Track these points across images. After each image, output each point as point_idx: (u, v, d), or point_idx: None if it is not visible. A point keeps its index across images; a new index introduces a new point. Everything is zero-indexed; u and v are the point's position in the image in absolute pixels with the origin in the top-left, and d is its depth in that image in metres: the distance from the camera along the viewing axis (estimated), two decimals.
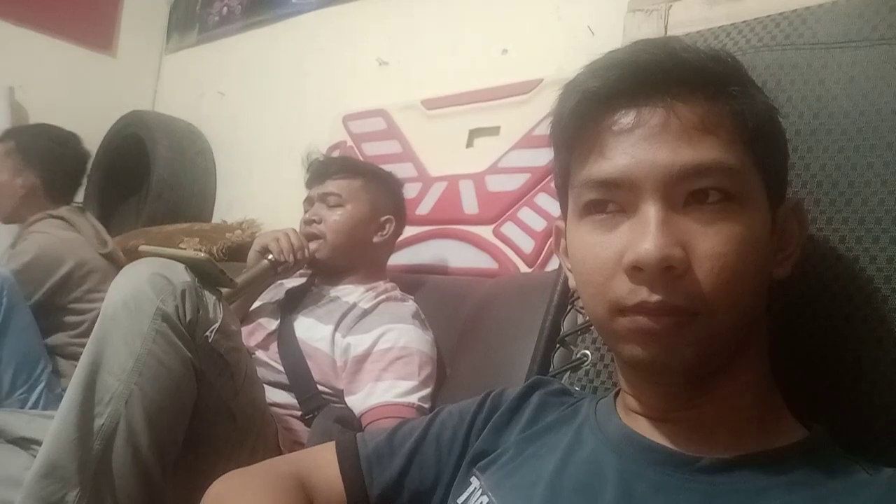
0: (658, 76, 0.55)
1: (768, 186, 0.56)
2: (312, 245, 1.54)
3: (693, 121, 0.53)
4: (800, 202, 0.62)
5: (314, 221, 1.57)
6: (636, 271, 0.52)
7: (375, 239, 1.61)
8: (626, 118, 0.55)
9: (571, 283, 0.64)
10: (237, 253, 2.23)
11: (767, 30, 0.81)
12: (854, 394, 0.64)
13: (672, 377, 0.56)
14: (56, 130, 2.15)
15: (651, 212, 0.52)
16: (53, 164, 2.08)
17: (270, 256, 1.47)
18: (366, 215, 1.60)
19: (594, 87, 0.57)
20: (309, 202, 1.64)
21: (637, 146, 0.54)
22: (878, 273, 0.65)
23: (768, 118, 0.58)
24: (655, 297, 0.51)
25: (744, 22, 0.84)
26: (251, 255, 1.53)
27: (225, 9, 2.92)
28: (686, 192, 0.53)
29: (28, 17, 2.80)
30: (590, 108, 0.57)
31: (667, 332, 0.52)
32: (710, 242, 0.52)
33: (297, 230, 1.56)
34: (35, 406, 1.67)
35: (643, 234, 0.52)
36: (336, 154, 2.19)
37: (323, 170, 1.65)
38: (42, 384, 1.70)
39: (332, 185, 1.60)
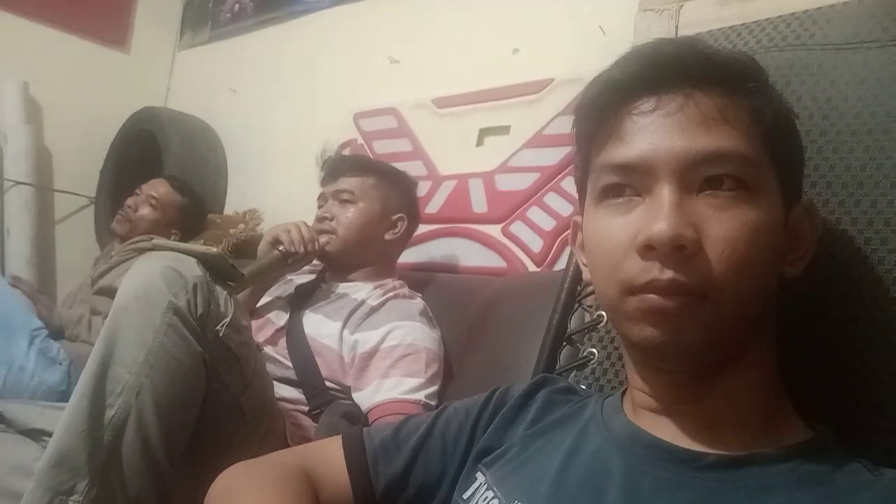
0: (678, 66, 0.56)
1: (782, 185, 0.57)
2: (323, 239, 1.55)
3: (711, 109, 0.55)
4: (812, 204, 0.63)
5: (326, 218, 1.59)
6: (648, 250, 0.53)
7: (387, 237, 1.62)
8: (646, 105, 0.56)
9: (586, 275, 0.65)
10: (242, 249, 2.24)
11: (778, 30, 0.80)
12: (861, 395, 0.64)
13: (679, 361, 0.57)
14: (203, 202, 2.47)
15: (665, 193, 0.54)
16: (194, 229, 2.38)
17: (281, 247, 1.48)
18: (377, 213, 1.61)
19: (616, 77, 0.58)
20: (322, 199, 1.65)
21: (655, 132, 0.55)
22: (887, 274, 0.65)
23: (784, 118, 0.59)
24: (667, 275, 0.52)
25: (755, 22, 0.84)
26: (262, 245, 1.54)
27: (237, 6, 2.93)
28: (701, 178, 0.54)
29: (42, 12, 2.81)
30: (611, 96, 0.58)
31: (676, 311, 0.53)
32: (723, 227, 0.53)
33: (307, 223, 1.57)
34: (24, 368, 1.67)
35: (657, 215, 0.53)
36: (347, 152, 2.20)
37: (337, 167, 1.66)
38: (24, 343, 1.69)
39: (345, 183, 1.61)
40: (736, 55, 0.60)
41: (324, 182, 1.68)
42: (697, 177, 0.54)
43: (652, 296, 0.53)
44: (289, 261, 1.49)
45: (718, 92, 0.55)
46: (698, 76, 0.56)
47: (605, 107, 0.59)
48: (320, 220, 1.60)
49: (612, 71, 0.59)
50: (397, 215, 1.64)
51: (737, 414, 0.57)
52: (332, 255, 1.58)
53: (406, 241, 1.70)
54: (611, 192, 0.58)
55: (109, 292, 2.02)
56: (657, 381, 0.60)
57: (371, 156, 2.12)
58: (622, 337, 0.61)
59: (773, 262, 0.56)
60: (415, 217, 1.70)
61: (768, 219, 0.55)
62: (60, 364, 1.74)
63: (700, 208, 0.53)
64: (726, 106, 0.55)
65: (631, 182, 0.56)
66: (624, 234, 0.55)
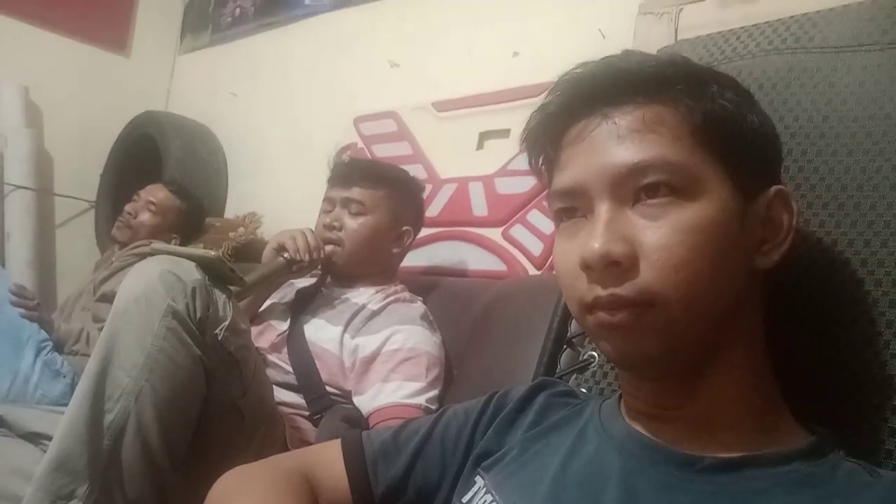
0: (594, 89, 0.59)
1: (735, 177, 0.57)
2: (328, 248, 1.54)
3: (629, 123, 0.57)
4: (783, 190, 0.61)
5: (334, 227, 1.56)
6: (588, 270, 0.55)
7: (394, 249, 1.62)
8: (574, 131, 0.60)
9: None
10: (242, 253, 2.24)
11: (777, 33, 0.80)
12: (860, 397, 0.64)
13: (645, 370, 0.58)
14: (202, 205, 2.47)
15: (601, 211, 0.56)
16: (194, 233, 2.37)
17: (286, 254, 1.48)
18: (386, 226, 1.59)
19: (548, 109, 0.62)
20: (330, 203, 1.62)
21: (584, 155, 0.58)
22: (887, 277, 0.65)
23: (724, 111, 0.58)
24: (606, 291, 0.54)
25: (754, 25, 0.84)
26: (266, 251, 1.53)
27: (238, 10, 2.94)
28: (633, 190, 0.56)
29: (43, 16, 2.82)
30: (545, 128, 0.63)
31: (625, 324, 0.54)
32: (657, 235, 0.54)
33: (313, 230, 1.56)
34: (28, 378, 1.67)
35: (591, 234, 0.55)
36: (347, 156, 2.20)
37: (349, 173, 1.63)
38: (30, 355, 1.70)
39: (356, 192, 1.58)
40: (661, 62, 0.61)
41: (332, 183, 1.65)
42: (629, 189, 0.56)
43: (600, 313, 0.55)
44: (293, 268, 1.49)
45: (639, 103, 0.57)
46: (613, 94, 0.58)
47: (543, 139, 0.64)
48: (328, 227, 1.57)
49: (546, 102, 0.63)
50: (405, 228, 1.62)
51: (729, 416, 0.57)
52: (338, 266, 1.57)
53: (409, 249, 1.69)
54: (563, 216, 0.61)
55: (111, 298, 2.01)
56: (643, 388, 0.61)
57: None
58: None
59: (730, 256, 0.56)
60: (420, 225, 1.69)
61: (710, 216, 0.55)
62: (64, 377, 1.74)
63: (635, 220, 0.55)
64: (647, 115, 0.57)
65: (575, 206, 0.59)
66: (573, 255, 0.57)
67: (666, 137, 0.56)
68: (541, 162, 0.65)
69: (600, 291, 0.55)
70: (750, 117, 0.60)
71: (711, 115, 0.57)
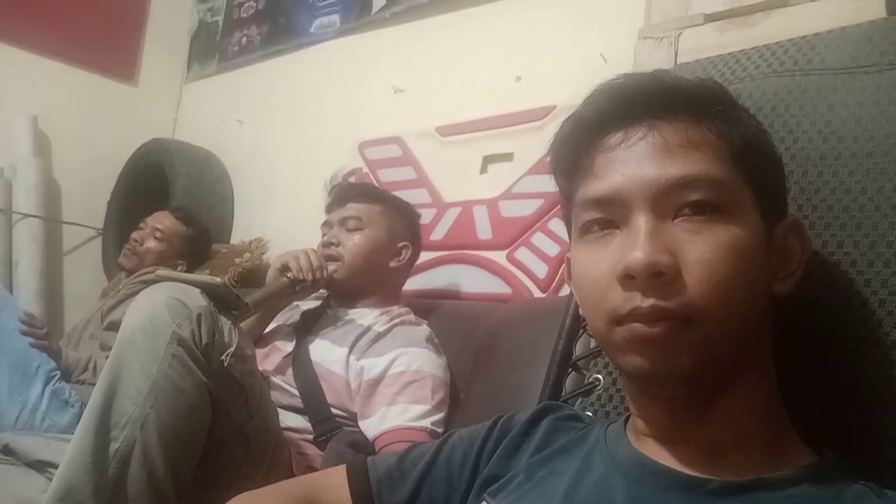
0: (642, 100, 0.59)
1: (761, 203, 0.58)
2: (331, 266, 1.55)
3: (677, 138, 0.56)
4: (798, 220, 0.63)
5: (332, 244, 1.59)
6: (628, 279, 0.54)
7: (392, 264, 1.63)
8: (614, 140, 0.59)
9: (582, 311, 0.65)
10: (248, 278, 2.25)
11: (776, 56, 0.81)
12: (867, 418, 0.63)
13: (672, 388, 0.57)
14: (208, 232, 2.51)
15: (640, 223, 0.55)
16: (200, 259, 2.39)
17: (290, 274, 1.48)
18: (383, 240, 1.62)
19: (585, 115, 0.61)
20: (327, 226, 1.65)
21: (625, 164, 0.57)
22: (891, 297, 0.64)
23: (755, 139, 0.60)
24: (647, 302, 0.53)
25: (753, 48, 0.85)
26: (270, 272, 1.54)
27: (244, 39, 2.97)
28: (674, 204, 0.55)
29: (51, 47, 2.85)
30: (582, 134, 0.61)
31: (662, 337, 0.53)
32: (700, 250, 0.54)
33: (316, 250, 1.57)
34: (36, 408, 1.67)
35: (633, 244, 0.54)
36: (352, 180, 2.22)
37: (343, 194, 1.68)
38: (39, 384, 1.70)
39: (352, 209, 1.62)
40: (702, 83, 0.62)
41: (329, 208, 1.69)
42: (671, 203, 0.55)
43: (636, 324, 0.54)
44: (297, 288, 1.49)
45: (683, 120, 0.57)
46: (661, 107, 0.58)
47: (577, 144, 0.61)
48: (326, 245, 1.59)
49: (582, 109, 0.62)
50: (402, 243, 1.65)
51: (739, 438, 0.57)
52: (340, 283, 1.58)
53: (409, 269, 1.71)
54: (591, 227, 0.60)
55: (118, 327, 2.01)
56: (655, 408, 0.60)
57: (376, 184, 2.13)
58: (616, 367, 0.62)
59: (757, 280, 0.56)
60: (418, 245, 1.71)
61: (746, 237, 0.55)
62: (72, 406, 1.74)
63: (676, 233, 0.55)
64: (692, 132, 0.57)
65: (608, 215, 0.58)
66: (605, 265, 0.57)
67: (709, 156, 0.56)
68: (568, 168, 0.63)
69: (640, 302, 0.53)
70: (774, 148, 0.62)
71: (746, 142, 0.58)
